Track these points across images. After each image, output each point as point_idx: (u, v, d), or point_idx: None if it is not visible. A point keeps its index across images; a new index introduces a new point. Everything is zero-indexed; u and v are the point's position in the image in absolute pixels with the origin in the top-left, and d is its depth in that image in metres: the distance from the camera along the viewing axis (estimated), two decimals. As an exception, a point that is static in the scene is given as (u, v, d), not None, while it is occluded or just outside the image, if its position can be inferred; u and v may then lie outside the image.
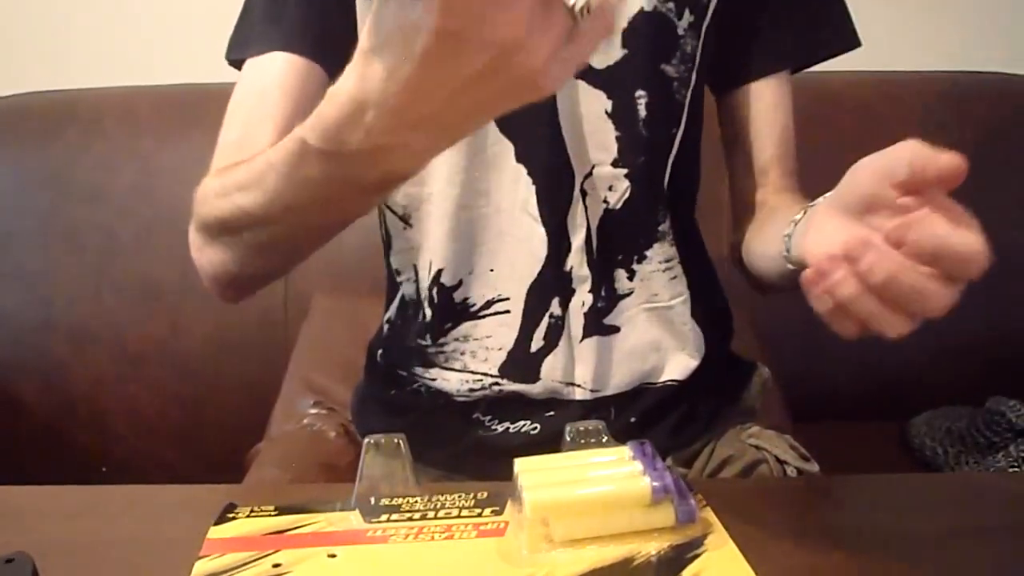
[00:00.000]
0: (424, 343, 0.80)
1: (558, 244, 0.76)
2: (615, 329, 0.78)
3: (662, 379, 0.81)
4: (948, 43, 1.54)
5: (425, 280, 0.79)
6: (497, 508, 0.54)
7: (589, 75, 0.74)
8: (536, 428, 0.79)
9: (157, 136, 1.40)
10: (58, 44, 1.53)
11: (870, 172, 0.50)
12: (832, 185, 0.54)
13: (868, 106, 1.42)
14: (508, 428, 0.80)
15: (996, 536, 0.58)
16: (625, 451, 0.55)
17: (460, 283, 0.78)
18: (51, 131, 1.40)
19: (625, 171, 0.76)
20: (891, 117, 1.40)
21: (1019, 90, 1.44)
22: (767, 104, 0.82)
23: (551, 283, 0.77)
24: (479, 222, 0.76)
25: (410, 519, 0.53)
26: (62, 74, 1.46)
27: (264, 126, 0.71)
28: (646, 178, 0.77)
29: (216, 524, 0.54)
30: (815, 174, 1.32)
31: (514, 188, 0.76)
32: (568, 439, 0.61)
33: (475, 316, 0.78)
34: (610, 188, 0.77)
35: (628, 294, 0.79)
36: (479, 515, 0.53)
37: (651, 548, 0.48)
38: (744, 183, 0.84)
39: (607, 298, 0.78)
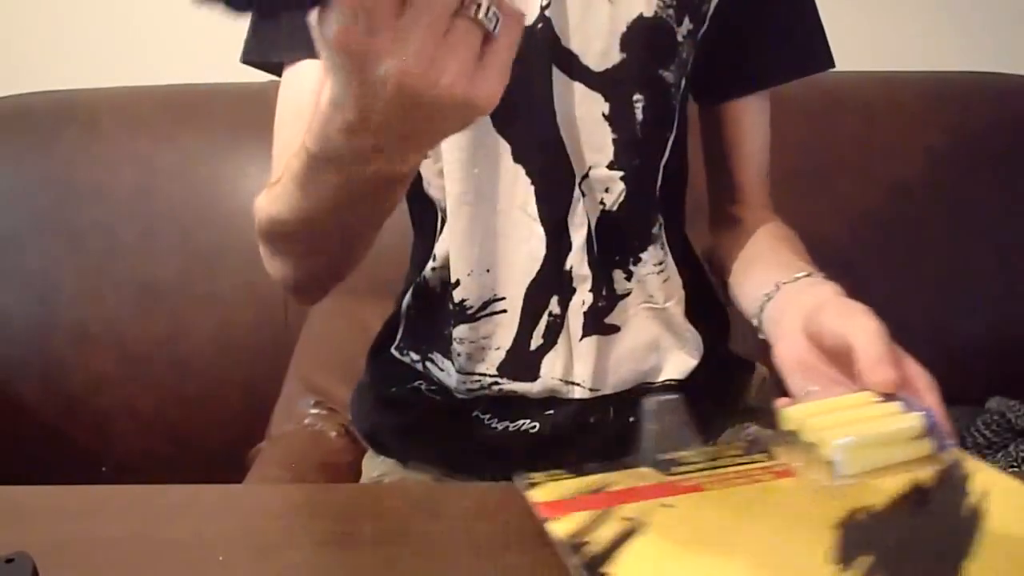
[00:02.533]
0: (448, 330, 0.79)
1: (557, 243, 0.76)
2: (615, 328, 0.78)
3: (661, 378, 0.81)
4: (947, 43, 1.53)
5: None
6: (766, 455, 0.55)
7: (587, 77, 0.74)
8: (535, 427, 0.79)
9: (157, 136, 1.39)
10: (58, 44, 1.53)
11: (845, 345, 0.56)
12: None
13: (869, 106, 1.41)
14: (508, 427, 0.80)
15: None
16: (870, 396, 0.55)
17: (458, 283, 0.78)
18: (51, 131, 1.40)
19: (620, 173, 0.76)
20: (891, 117, 1.40)
21: (1019, 90, 1.44)
22: (747, 123, 0.86)
23: (550, 282, 0.77)
24: (476, 221, 0.76)
25: (700, 470, 0.54)
26: (62, 74, 1.46)
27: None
28: (640, 181, 0.77)
29: (530, 489, 0.54)
30: (815, 174, 1.34)
31: (512, 188, 0.76)
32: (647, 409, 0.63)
33: (472, 319, 0.78)
34: (606, 190, 0.77)
35: (627, 294, 0.79)
36: (758, 462, 0.54)
37: (927, 473, 0.49)
38: (721, 195, 0.89)
39: (607, 297, 0.78)
